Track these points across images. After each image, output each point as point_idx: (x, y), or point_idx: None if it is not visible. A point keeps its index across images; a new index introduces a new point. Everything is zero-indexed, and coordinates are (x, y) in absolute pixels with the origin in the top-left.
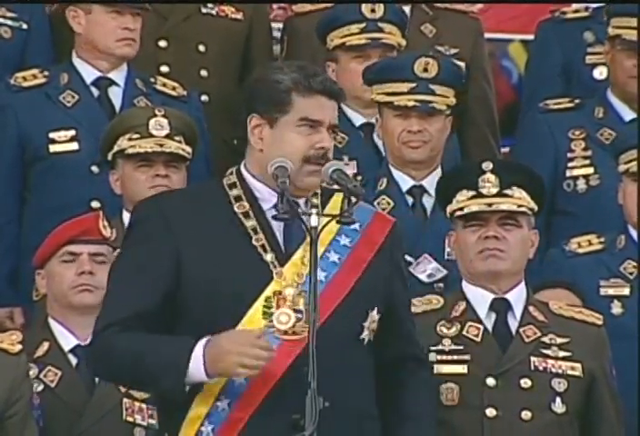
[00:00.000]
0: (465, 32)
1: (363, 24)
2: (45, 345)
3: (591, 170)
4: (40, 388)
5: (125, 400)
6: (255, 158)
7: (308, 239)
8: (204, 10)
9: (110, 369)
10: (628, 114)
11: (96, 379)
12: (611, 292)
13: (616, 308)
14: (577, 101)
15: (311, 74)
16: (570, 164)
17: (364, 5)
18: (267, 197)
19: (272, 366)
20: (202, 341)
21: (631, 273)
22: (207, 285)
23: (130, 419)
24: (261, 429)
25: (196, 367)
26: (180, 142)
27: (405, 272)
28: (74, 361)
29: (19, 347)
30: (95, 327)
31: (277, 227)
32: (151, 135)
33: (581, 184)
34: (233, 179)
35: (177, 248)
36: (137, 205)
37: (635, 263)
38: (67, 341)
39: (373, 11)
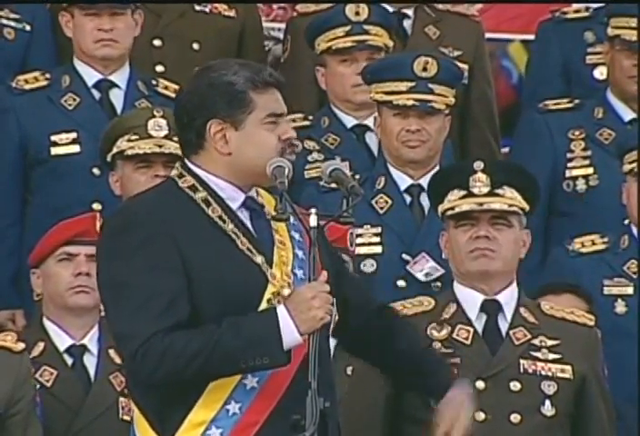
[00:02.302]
0: (468, 34)
1: (348, 27)
2: (41, 345)
3: (590, 170)
4: (36, 387)
5: (122, 399)
6: (222, 161)
7: (278, 237)
8: (197, 8)
9: (180, 365)
10: (628, 115)
11: (92, 378)
12: (614, 291)
13: (620, 307)
14: (577, 101)
15: (258, 69)
16: (569, 165)
17: (348, 8)
18: (233, 195)
19: (283, 368)
20: (279, 306)
21: (634, 273)
22: (215, 289)
23: (127, 417)
24: (275, 431)
25: (289, 329)
26: None
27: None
28: (69, 360)
29: (22, 345)
30: (133, 342)
31: (251, 229)
32: (150, 136)
33: (580, 185)
34: (190, 181)
35: (180, 251)
36: (123, 210)
37: (638, 263)
38: (62, 341)
39: (357, 13)
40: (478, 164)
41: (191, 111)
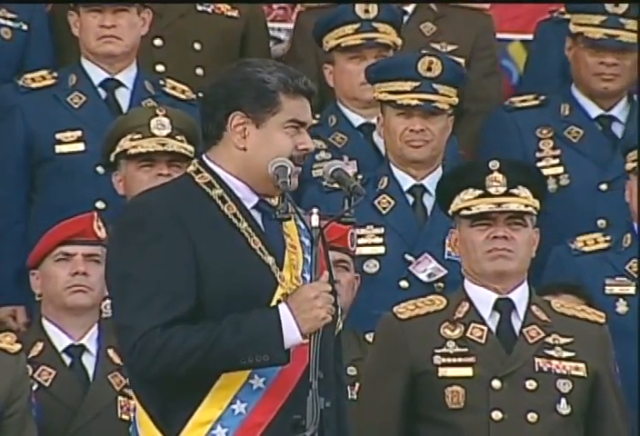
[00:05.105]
0: (469, 28)
1: (357, 25)
2: (39, 345)
3: (560, 169)
4: (34, 387)
5: (120, 398)
6: (236, 156)
7: (289, 241)
8: (199, 8)
9: (177, 359)
10: (594, 111)
11: (90, 378)
12: (616, 290)
13: (622, 306)
14: (542, 97)
15: (294, 74)
16: (539, 164)
17: (357, 6)
18: (248, 196)
19: (289, 369)
20: (281, 305)
21: (636, 272)
22: (223, 285)
23: (125, 417)
24: (280, 431)
25: (290, 328)
26: (182, 141)
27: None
28: (67, 360)
29: (18, 346)
30: (132, 335)
31: (264, 230)
32: (153, 135)
33: (551, 184)
34: (207, 177)
35: (192, 246)
36: (136, 203)
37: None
38: (61, 341)
39: (367, 11)
40: (494, 164)
41: (216, 102)
